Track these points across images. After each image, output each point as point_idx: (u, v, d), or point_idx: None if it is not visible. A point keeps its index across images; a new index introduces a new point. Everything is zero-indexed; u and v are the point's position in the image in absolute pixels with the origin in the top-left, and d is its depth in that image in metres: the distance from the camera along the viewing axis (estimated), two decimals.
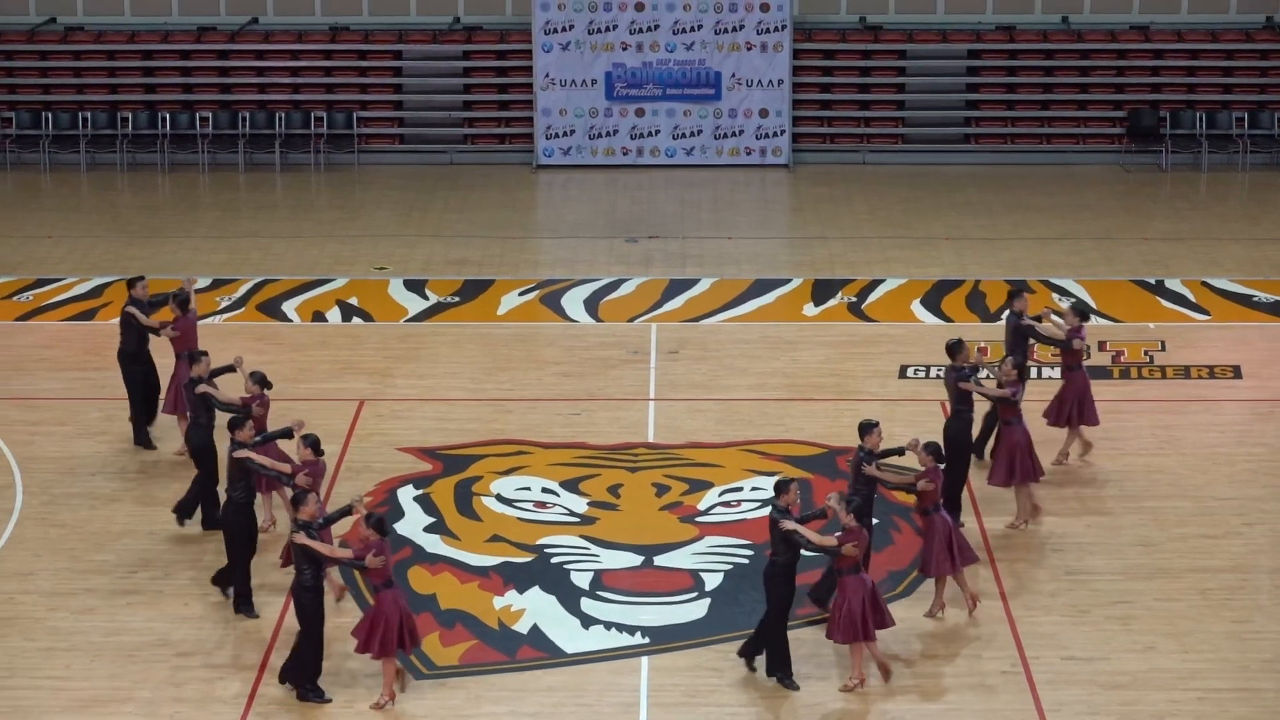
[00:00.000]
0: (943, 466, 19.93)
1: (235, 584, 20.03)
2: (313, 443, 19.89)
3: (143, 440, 24.11)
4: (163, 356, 24.13)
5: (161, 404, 24.34)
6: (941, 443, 20.39)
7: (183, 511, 21.89)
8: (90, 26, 39.62)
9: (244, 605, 19.97)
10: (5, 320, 28.51)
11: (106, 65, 39.19)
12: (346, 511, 18.78)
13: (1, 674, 18.62)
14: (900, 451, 20.15)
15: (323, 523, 18.52)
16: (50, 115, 38.55)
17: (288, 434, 20.78)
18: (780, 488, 18.62)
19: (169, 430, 24.25)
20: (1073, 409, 23.10)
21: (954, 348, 21.89)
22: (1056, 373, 24.28)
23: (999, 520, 21.58)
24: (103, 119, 38.63)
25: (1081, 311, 23.40)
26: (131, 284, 24.30)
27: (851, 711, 18.07)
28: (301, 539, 18.11)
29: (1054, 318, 23.49)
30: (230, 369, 22.36)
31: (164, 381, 24.24)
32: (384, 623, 18.06)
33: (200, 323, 25.20)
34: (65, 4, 39.76)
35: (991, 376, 22.31)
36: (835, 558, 18.36)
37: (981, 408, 22.23)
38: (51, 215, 35.23)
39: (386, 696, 18.21)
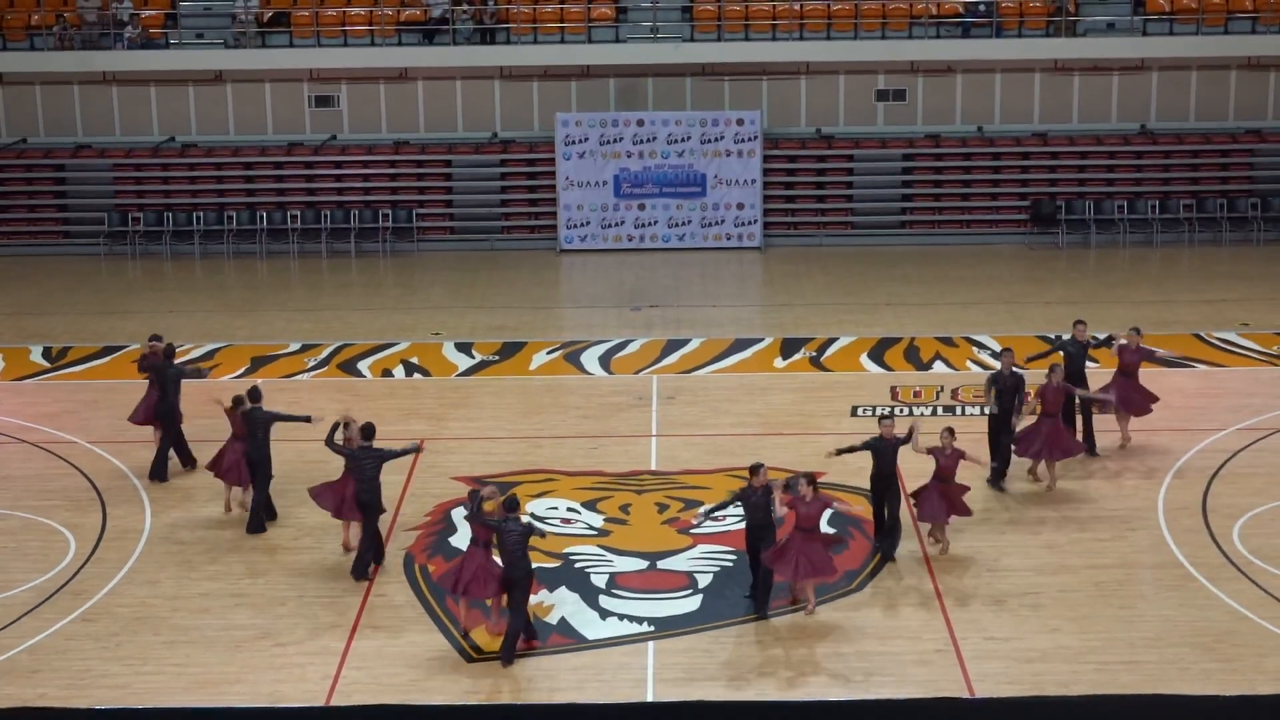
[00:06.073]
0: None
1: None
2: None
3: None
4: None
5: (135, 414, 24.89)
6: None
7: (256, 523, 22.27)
8: (202, 144, 39.73)
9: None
10: (138, 379, 28.48)
11: (215, 174, 39.26)
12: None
13: (135, 662, 18.61)
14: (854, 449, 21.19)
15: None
16: (170, 215, 38.69)
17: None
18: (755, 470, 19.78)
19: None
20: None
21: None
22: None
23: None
24: (212, 217, 38.73)
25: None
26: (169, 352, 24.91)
27: (813, 682, 18.04)
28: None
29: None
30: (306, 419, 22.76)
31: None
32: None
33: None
34: (181, 126, 39.88)
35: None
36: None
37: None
38: (172, 294, 35.26)
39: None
